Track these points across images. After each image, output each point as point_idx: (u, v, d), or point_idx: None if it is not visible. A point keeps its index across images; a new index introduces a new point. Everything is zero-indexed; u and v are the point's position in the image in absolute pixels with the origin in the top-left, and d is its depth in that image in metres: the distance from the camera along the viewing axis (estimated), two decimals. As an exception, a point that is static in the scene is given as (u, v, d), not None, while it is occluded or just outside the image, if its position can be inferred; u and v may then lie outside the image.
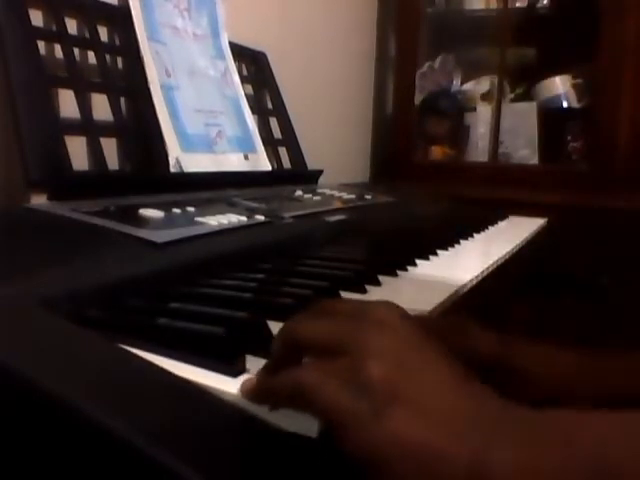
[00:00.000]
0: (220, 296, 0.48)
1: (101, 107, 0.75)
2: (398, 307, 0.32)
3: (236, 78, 0.98)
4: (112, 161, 0.75)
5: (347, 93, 1.62)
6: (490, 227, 1.01)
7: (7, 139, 0.67)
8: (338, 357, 0.29)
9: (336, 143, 1.53)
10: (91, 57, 0.77)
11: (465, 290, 0.59)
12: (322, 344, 0.31)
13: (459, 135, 1.73)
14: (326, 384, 0.28)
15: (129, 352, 0.34)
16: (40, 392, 0.29)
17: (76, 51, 0.74)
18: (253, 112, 1.00)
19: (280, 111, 1.12)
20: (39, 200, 0.62)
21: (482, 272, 0.66)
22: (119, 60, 0.81)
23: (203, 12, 0.95)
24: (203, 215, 0.64)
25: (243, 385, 0.31)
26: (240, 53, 1.04)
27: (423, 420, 0.26)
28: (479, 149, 1.68)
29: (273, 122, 1.10)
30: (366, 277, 0.55)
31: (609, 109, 1.44)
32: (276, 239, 0.66)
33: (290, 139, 1.12)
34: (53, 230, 0.55)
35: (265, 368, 0.33)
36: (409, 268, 0.63)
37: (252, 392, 0.31)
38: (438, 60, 1.78)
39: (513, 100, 1.71)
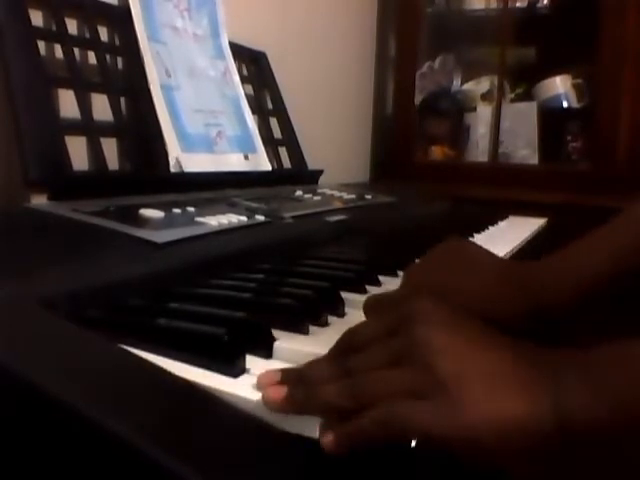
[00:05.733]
0: (220, 296, 0.48)
1: (101, 107, 0.75)
2: (431, 300, 0.33)
3: (236, 78, 0.98)
4: (112, 161, 0.75)
5: (347, 93, 1.62)
6: (490, 227, 1.01)
7: (7, 139, 0.67)
8: (402, 367, 0.30)
9: (336, 143, 1.53)
10: (91, 57, 0.77)
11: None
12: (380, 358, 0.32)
13: (459, 135, 1.73)
14: (417, 409, 0.29)
15: (129, 352, 0.34)
16: (40, 392, 0.29)
17: (76, 51, 0.74)
18: (253, 112, 1.00)
19: (280, 111, 1.12)
20: (39, 200, 0.62)
21: (482, 272, 0.65)
22: (119, 60, 0.81)
23: (203, 12, 0.95)
24: (203, 215, 0.64)
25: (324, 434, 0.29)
26: (240, 53, 1.04)
27: (499, 395, 0.28)
28: (479, 149, 1.68)
29: (273, 122, 1.10)
30: (366, 277, 0.55)
31: (609, 109, 1.44)
32: (276, 239, 0.66)
33: (290, 139, 1.12)
34: (53, 230, 0.55)
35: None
36: (409, 268, 0.63)
37: (334, 442, 0.29)
38: (438, 60, 1.78)
39: (513, 100, 1.70)
